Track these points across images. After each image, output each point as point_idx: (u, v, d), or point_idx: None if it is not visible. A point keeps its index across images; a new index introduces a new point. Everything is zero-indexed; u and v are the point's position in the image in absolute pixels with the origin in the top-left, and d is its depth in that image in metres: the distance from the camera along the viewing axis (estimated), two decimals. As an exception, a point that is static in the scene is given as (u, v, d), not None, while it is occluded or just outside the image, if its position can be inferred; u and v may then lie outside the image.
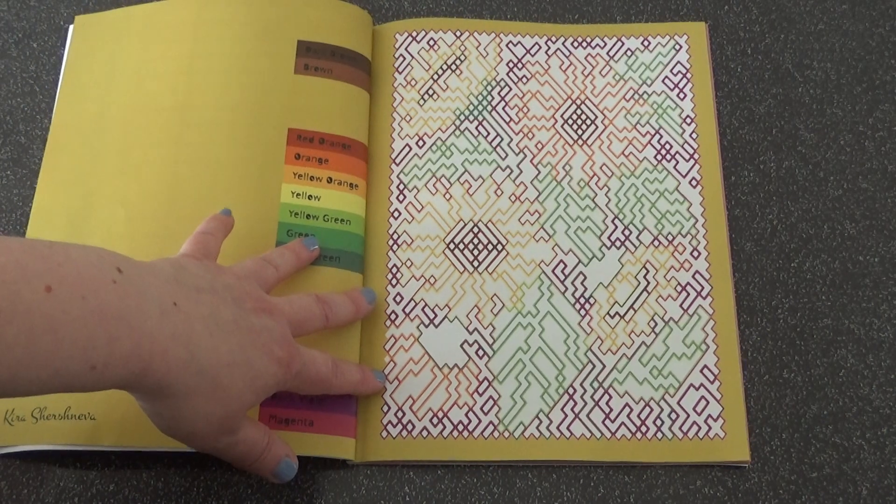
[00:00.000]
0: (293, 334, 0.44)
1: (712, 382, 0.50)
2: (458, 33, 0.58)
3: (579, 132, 0.55)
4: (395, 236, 0.53)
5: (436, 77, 0.57)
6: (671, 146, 0.55)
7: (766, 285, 0.52)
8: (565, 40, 0.58)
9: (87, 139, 0.53)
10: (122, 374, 0.36)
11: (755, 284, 0.52)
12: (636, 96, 0.56)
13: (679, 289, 0.52)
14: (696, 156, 0.55)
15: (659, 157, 0.55)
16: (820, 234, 0.54)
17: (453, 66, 0.57)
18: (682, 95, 0.56)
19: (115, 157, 0.52)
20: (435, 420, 0.49)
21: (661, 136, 0.55)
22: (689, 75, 0.57)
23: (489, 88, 0.56)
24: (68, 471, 0.48)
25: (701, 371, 0.50)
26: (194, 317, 0.38)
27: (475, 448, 0.48)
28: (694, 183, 0.54)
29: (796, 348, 0.51)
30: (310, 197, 0.52)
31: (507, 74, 0.57)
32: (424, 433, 0.49)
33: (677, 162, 0.55)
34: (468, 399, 0.49)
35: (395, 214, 0.53)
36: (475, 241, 0.53)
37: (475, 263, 0.52)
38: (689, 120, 0.56)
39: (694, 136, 0.55)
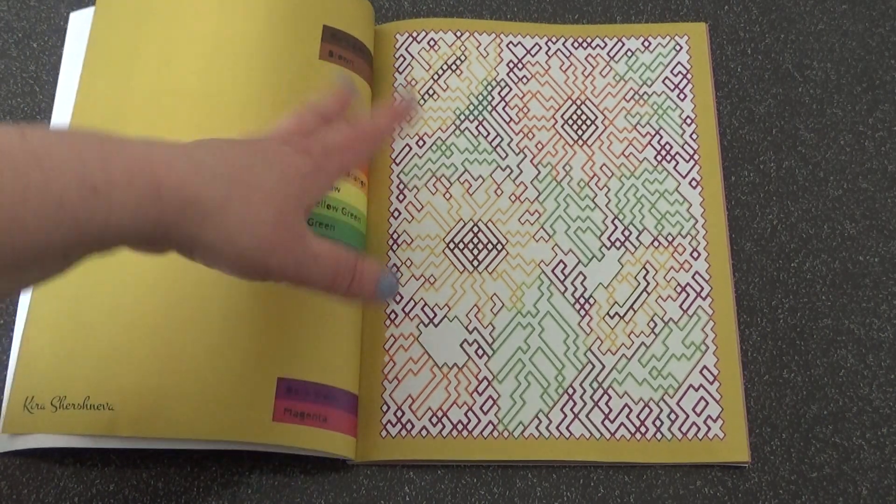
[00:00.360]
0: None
1: (712, 383, 0.50)
2: (458, 33, 0.58)
3: (579, 132, 0.55)
4: (395, 236, 0.53)
5: (436, 77, 0.57)
6: (671, 147, 0.55)
7: (766, 285, 0.52)
8: (565, 41, 0.58)
9: (110, 123, 0.52)
10: (134, 196, 0.33)
11: (755, 284, 0.52)
12: (636, 97, 0.56)
13: (679, 289, 0.52)
14: (696, 156, 0.55)
15: (659, 157, 0.55)
16: (820, 234, 0.54)
17: (453, 67, 0.57)
18: (682, 96, 0.56)
19: None
20: (434, 419, 0.49)
21: (662, 137, 0.55)
22: (689, 76, 0.57)
23: (489, 88, 0.56)
24: (68, 471, 0.48)
25: (700, 372, 0.50)
26: (185, 145, 0.36)
27: (474, 448, 0.48)
28: (694, 183, 0.54)
29: (796, 348, 0.51)
30: None
31: (508, 74, 0.57)
32: (424, 433, 0.49)
33: (677, 162, 0.55)
34: (468, 398, 0.49)
35: (395, 214, 0.53)
36: (475, 240, 0.53)
37: (475, 263, 0.52)
38: (689, 120, 0.56)
39: (694, 136, 0.55)
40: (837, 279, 0.53)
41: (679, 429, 0.49)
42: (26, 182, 0.30)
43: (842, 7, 0.59)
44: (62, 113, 0.55)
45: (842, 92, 0.57)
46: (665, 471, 0.49)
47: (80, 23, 0.57)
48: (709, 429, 0.49)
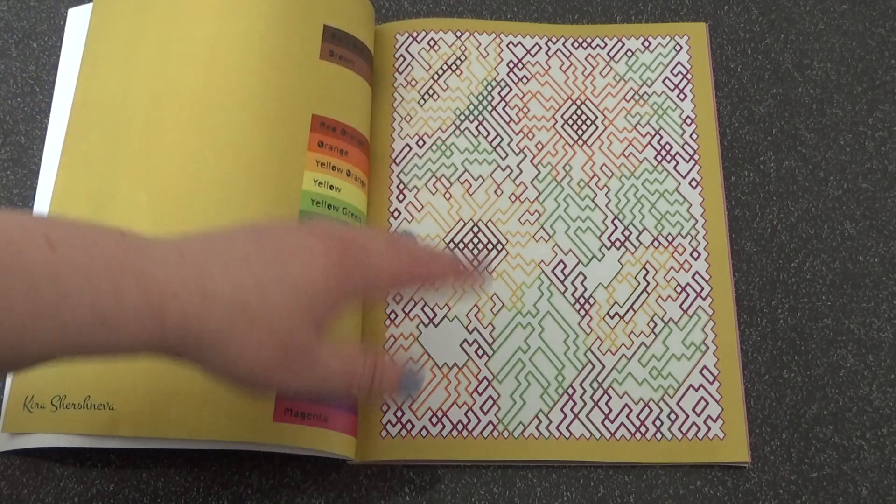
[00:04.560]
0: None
1: (712, 383, 0.50)
2: (458, 33, 0.58)
3: (579, 132, 0.55)
4: (394, 236, 0.53)
5: (436, 77, 0.57)
6: (671, 147, 0.55)
7: (766, 285, 0.52)
8: (565, 41, 0.58)
9: (109, 121, 0.52)
10: (139, 329, 0.34)
11: (755, 284, 0.52)
12: (636, 97, 0.56)
13: (679, 289, 0.52)
14: (696, 156, 0.55)
15: (659, 157, 0.55)
16: (820, 234, 0.54)
17: (453, 66, 0.57)
18: (682, 96, 0.56)
19: (138, 140, 0.51)
20: (434, 419, 0.49)
21: (662, 137, 0.55)
22: (689, 76, 0.57)
23: (489, 88, 0.57)
24: (68, 471, 0.48)
25: (700, 372, 0.50)
26: (206, 261, 0.36)
27: (474, 448, 0.48)
28: (694, 183, 0.54)
29: (796, 348, 0.51)
30: (331, 187, 0.51)
31: (508, 74, 0.57)
32: (424, 432, 0.49)
33: (677, 162, 0.55)
34: (467, 398, 0.49)
35: (396, 214, 0.54)
36: (475, 240, 0.53)
37: (475, 263, 0.52)
38: (689, 120, 0.56)
39: (694, 136, 0.55)
40: (837, 279, 0.53)
41: (679, 429, 0.49)
42: (39, 304, 0.31)
43: (842, 7, 0.59)
44: (61, 111, 0.54)
45: (842, 92, 0.57)
46: (665, 471, 0.49)
47: (78, 19, 0.57)
48: (709, 429, 0.49)
